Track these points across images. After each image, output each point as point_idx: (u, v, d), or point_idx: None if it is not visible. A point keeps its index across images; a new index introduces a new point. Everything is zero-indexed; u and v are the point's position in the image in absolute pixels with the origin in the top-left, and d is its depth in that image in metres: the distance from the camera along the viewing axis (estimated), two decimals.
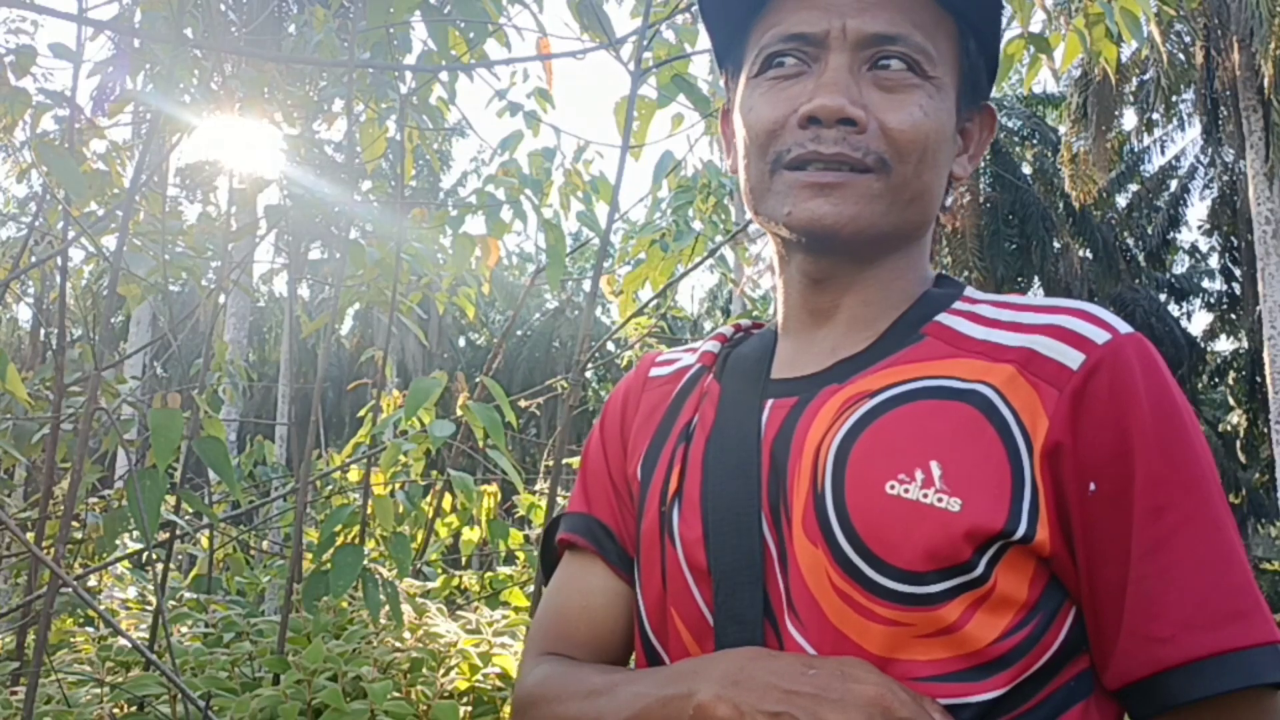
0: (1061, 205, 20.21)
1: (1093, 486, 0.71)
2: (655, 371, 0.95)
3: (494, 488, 3.03)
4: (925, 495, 0.70)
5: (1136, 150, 20.61)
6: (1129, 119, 18.73)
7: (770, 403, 0.81)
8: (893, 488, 0.71)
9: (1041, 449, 0.71)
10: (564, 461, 2.41)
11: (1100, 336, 0.73)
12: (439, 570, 3.22)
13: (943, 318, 0.80)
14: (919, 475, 0.71)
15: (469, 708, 2.15)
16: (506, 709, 2.18)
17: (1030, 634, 0.71)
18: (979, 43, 0.83)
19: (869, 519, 0.71)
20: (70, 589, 1.77)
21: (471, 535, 3.07)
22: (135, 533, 2.44)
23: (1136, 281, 21.33)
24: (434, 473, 2.76)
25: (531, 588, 2.47)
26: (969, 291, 0.84)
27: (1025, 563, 0.71)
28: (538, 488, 3.54)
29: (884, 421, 0.74)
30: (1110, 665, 0.71)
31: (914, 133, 0.77)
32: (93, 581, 3.08)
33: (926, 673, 0.69)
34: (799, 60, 0.79)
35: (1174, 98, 17.67)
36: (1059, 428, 0.71)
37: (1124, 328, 0.74)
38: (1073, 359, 0.72)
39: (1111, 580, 0.71)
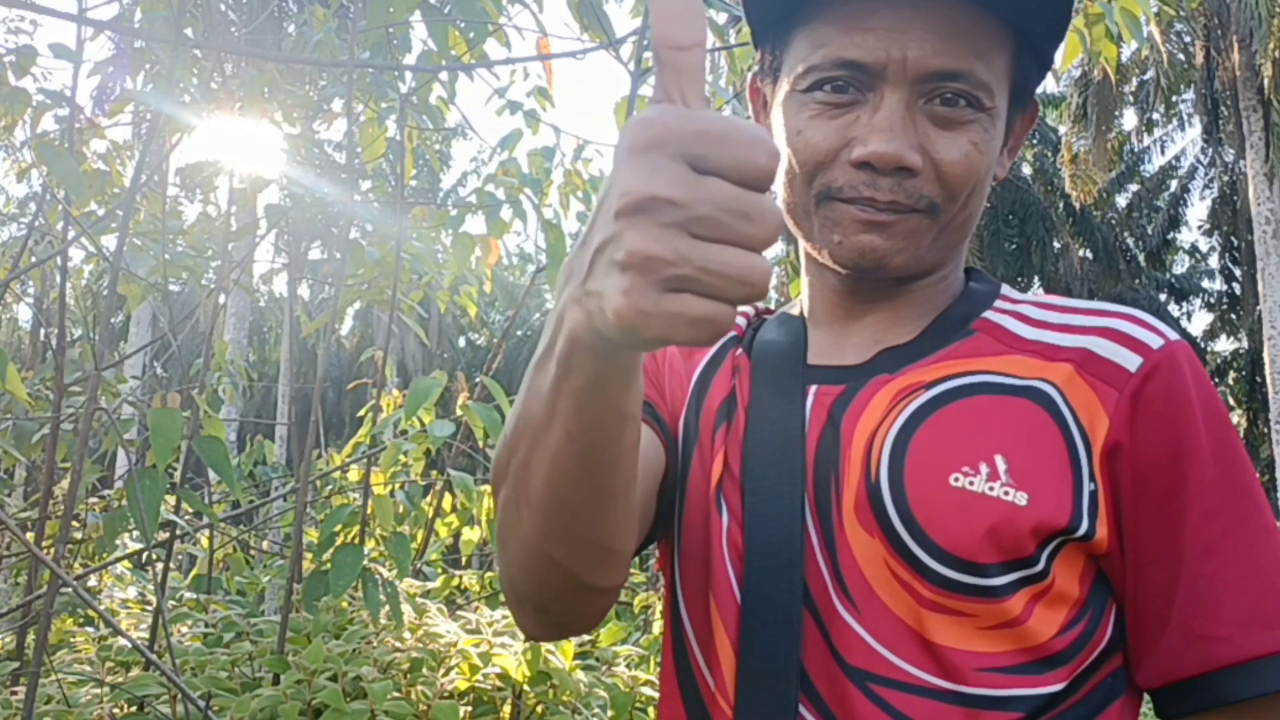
0: (1061, 205, 20.22)
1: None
2: None
3: None
4: (991, 488, 0.70)
5: (1136, 150, 20.64)
6: (1129, 119, 18.78)
7: (814, 389, 0.80)
8: (956, 480, 0.71)
9: (1102, 448, 0.72)
10: None
11: (1155, 341, 0.74)
12: (439, 570, 3.22)
13: (990, 315, 0.80)
14: (984, 469, 0.71)
15: (469, 708, 2.15)
16: (506, 709, 2.18)
17: (1084, 630, 0.72)
18: (1035, 54, 0.80)
19: (932, 510, 0.71)
20: (70, 589, 1.77)
21: (471, 535, 3.07)
22: (135, 533, 2.44)
23: (1136, 281, 21.33)
24: (434, 473, 2.76)
25: None
26: (1006, 290, 0.84)
27: (1078, 559, 0.72)
28: None
29: (943, 414, 0.74)
30: (1150, 663, 0.73)
31: (967, 173, 0.75)
32: (93, 581, 3.08)
33: (995, 664, 0.70)
34: (852, 87, 0.75)
35: (1174, 98, 17.70)
36: (1118, 428, 0.72)
37: (1172, 334, 0.75)
38: (1130, 361, 0.73)
39: (1159, 579, 0.72)
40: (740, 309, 0.92)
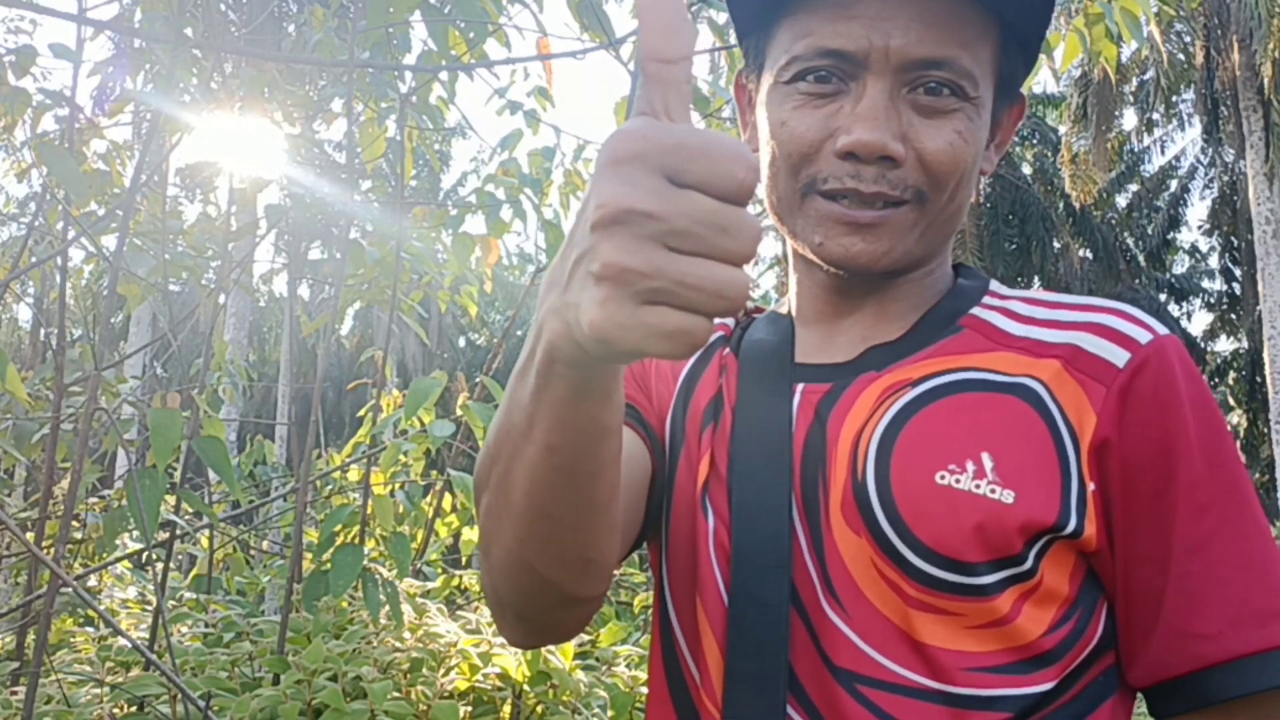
0: (1061, 205, 20.22)
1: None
2: None
3: None
4: (978, 486, 0.70)
5: (1136, 150, 20.64)
6: (1129, 119, 18.78)
7: (801, 387, 0.79)
8: (943, 478, 0.71)
9: (1090, 445, 0.71)
10: None
11: (1143, 336, 0.73)
12: (439, 570, 3.22)
13: (978, 311, 0.80)
14: (970, 466, 0.71)
15: (469, 708, 2.15)
16: (506, 709, 2.18)
17: (1074, 628, 0.71)
18: (1021, 45, 0.79)
19: (918, 509, 0.71)
20: (70, 589, 1.77)
21: (471, 535, 3.07)
22: (135, 533, 2.44)
23: (1136, 281, 21.33)
24: (434, 473, 2.76)
25: None
26: (995, 286, 0.83)
27: (1067, 557, 0.72)
28: None
29: (929, 412, 0.74)
30: (1141, 662, 0.72)
31: (951, 162, 0.74)
32: (93, 581, 3.08)
33: (982, 663, 0.69)
34: (835, 77, 0.74)
35: (1174, 98, 17.70)
36: (1107, 424, 0.71)
37: (1161, 328, 0.75)
38: (1118, 357, 0.72)
39: (1149, 577, 0.71)
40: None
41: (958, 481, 0.70)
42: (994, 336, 0.77)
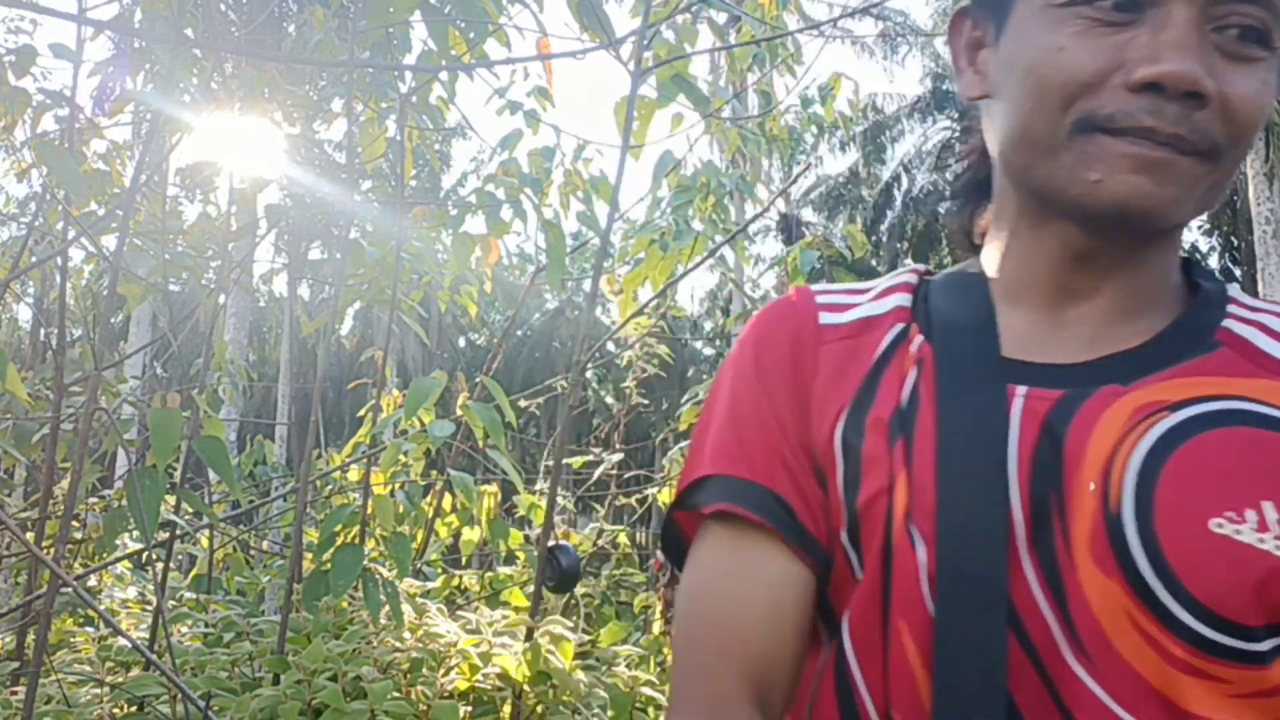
0: None
1: None
2: (828, 318, 0.76)
3: (494, 488, 3.03)
4: (1261, 540, 0.60)
5: None
6: None
7: (1023, 391, 0.67)
8: (1220, 526, 0.61)
9: None
10: (564, 461, 2.41)
11: None
12: (439, 570, 3.22)
13: (1232, 324, 0.69)
14: (1251, 516, 0.61)
15: (469, 708, 2.15)
16: (506, 709, 2.18)
17: None
18: None
19: (1189, 558, 0.61)
20: (70, 589, 1.77)
21: (471, 535, 3.08)
22: (135, 533, 2.45)
23: None
24: (434, 473, 2.76)
25: (531, 587, 2.47)
26: (1233, 291, 0.73)
27: None
28: (538, 488, 3.55)
29: (1196, 444, 0.63)
30: None
31: (1257, 115, 0.64)
32: (93, 581, 3.08)
33: None
34: (1129, 5, 0.64)
35: None
36: None
37: None
38: None
39: None
40: (902, 281, 0.78)
41: (1238, 533, 0.61)
42: (1256, 359, 0.67)
